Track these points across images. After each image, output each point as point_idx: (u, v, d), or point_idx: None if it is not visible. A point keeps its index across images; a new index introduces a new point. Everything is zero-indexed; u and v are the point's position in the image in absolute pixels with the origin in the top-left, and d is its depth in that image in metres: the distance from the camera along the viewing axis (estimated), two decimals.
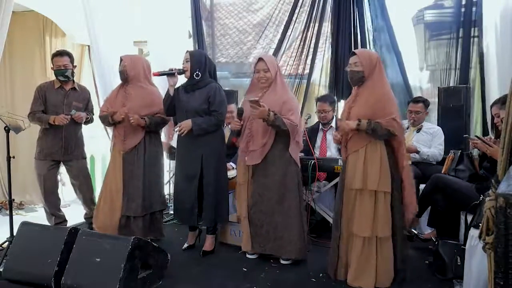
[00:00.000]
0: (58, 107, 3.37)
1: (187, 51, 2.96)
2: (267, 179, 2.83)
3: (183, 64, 2.93)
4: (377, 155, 2.45)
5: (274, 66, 2.85)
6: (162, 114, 3.12)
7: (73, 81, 3.47)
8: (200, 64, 2.89)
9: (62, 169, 3.60)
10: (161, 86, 3.35)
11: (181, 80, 3.03)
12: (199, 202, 2.98)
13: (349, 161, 2.56)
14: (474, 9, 4.26)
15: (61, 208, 3.60)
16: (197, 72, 2.88)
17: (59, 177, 3.60)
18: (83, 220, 3.70)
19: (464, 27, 4.35)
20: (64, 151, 3.39)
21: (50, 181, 3.43)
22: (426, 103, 3.76)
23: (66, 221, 3.57)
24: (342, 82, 4.60)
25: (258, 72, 2.84)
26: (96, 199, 3.70)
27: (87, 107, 3.54)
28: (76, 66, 3.54)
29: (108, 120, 3.13)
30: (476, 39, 4.30)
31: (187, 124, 2.85)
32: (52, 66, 3.40)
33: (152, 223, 3.22)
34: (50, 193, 3.45)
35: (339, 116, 3.76)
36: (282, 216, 2.81)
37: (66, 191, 4.18)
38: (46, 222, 3.45)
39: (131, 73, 3.10)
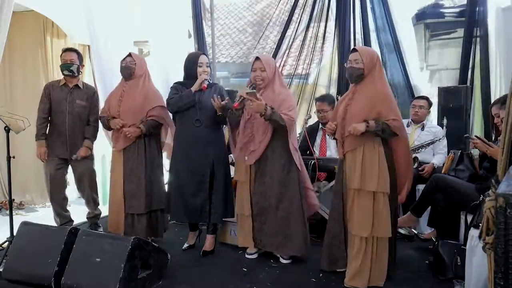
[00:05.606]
0: (62, 104, 3.39)
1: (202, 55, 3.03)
2: (267, 177, 2.84)
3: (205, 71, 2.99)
4: (375, 155, 2.43)
5: (270, 65, 2.85)
6: (157, 116, 3.12)
7: (78, 78, 3.47)
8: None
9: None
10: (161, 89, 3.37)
11: (178, 78, 3.07)
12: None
13: (346, 159, 2.54)
14: (478, 9, 4.26)
15: (67, 208, 3.59)
16: None
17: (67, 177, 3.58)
18: (84, 220, 3.70)
19: (466, 27, 4.34)
20: (70, 150, 3.39)
21: (57, 181, 3.43)
22: (429, 101, 3.81)
23: (72, 221, 3.56)
24: (342, 81, 4.61)
25: (255, 71, 2.84)
26: (99, 200, 3.71)
27: (91, 105, 3.50)
28: (84, 65, 3.56)
29: (105, 124, 3.19)
30: (478, 38, 4.29)
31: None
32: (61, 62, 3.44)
33: (154, 222, 3.22)
34: (56, 193, 3.45)
35: None
36: (284, 214, 2.82)
37: (67, 190, 4.16)
38: (47, 222, 3.44)
39: (139, 72, 3.15)
